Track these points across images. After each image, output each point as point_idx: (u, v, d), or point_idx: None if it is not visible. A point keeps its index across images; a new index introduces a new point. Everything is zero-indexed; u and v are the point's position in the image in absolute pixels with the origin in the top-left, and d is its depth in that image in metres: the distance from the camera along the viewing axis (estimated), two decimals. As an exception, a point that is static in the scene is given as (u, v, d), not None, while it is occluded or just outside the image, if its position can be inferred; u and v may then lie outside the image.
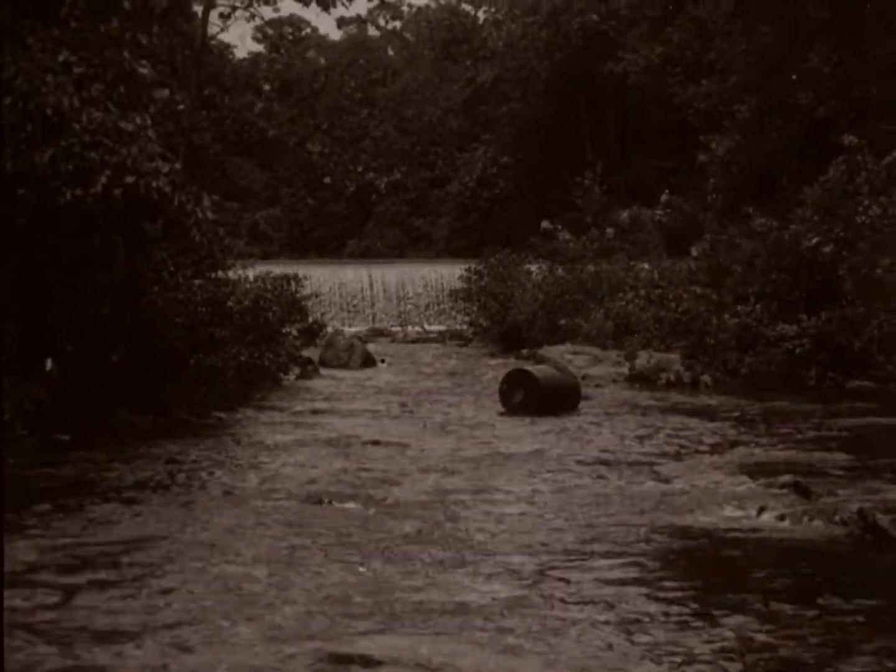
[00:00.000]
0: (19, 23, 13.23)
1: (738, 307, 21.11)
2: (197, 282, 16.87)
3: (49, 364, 13.43)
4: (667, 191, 38.96)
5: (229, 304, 17.87)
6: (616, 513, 10.09)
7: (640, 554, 8.75)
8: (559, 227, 33.91)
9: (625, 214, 34.80)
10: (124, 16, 13.94)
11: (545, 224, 34.62)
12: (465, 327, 33.33)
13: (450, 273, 35.96)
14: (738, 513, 9.92)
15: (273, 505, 10.41)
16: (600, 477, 11.84)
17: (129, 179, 13.12)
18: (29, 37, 13.25)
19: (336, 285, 37.52)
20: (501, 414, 16.68)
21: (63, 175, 12.86)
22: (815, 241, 20.18)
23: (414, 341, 33.53)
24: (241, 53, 60.77)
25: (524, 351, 26.48)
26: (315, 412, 17.22)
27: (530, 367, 18.30)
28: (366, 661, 6.36)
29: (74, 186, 12.85)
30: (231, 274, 18.96)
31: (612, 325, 24.78)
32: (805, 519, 9.60)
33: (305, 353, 23.20)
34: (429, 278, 38.60)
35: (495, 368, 24.54)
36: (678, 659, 6.43)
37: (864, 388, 18.76)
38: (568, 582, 7.97)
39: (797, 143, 33.42)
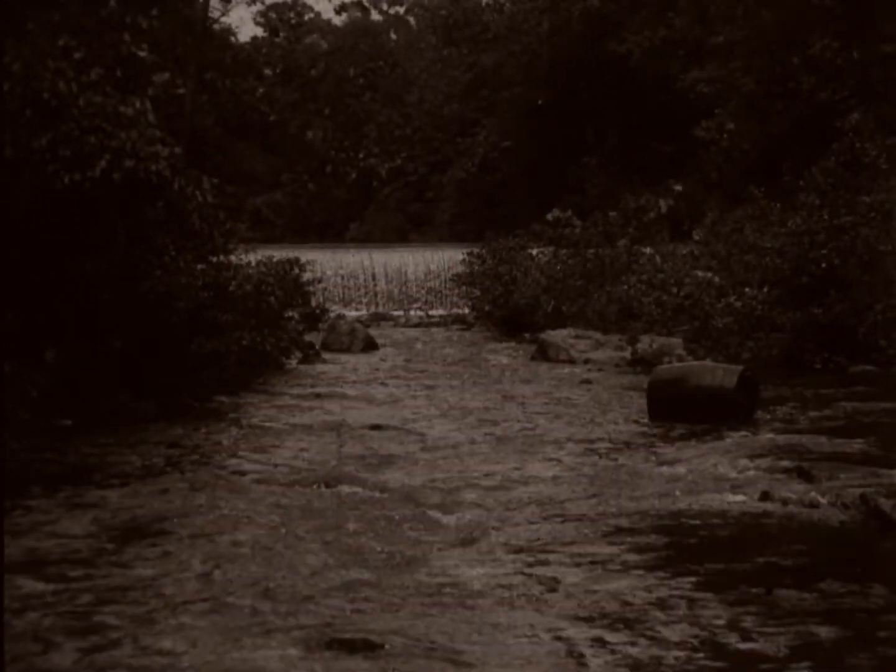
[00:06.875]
0: (20, 8, 13.19)
1: (746, 289, 20.96)
2: (199, 266, 16.83)
3: (50, 353, 13.41)
4: (670, 175, 38.77)
5: (231, 288, 17.83)
6: (615, 496, 10.07)
7: (638, 538, 8.74)
8: (567, 214, 33.46)
9: (627, 198, 34.50)
10: (124, -1, 13.92)
11: (554, 213, 34.05)
12: (467, 311, 33.33)
13: (452, 257, 35.83)
14: (740, 497, 9.90)
15: (273, 489, 10.42)
16: (600, 460, 11.83)
17: (129, 163, 13.08)
18: (29, 22, 13.22)
19: (338, 270, 37.39)
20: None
21: (62, 160, 12.81)
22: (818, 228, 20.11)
23: (416, 325, 33.49)
24: (243, 38, 60.65)
25: (527, 335, 26.50)
26: (317, 396, 17.20)
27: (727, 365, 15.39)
28: (362, 643, 6.37)
29: (73, 171, 12.80)
30: (233, 258, 18.91)
31: (615, 310, 24.73)
32: (807, 504, 9.58)
33: (308, 337, 23.16)
34: (431, 262, 38.44)
35: (497, 352, 24.57)
36: (673, 645, 6.43)
37: (867, 372, 18.71)
38: (560, 564, 7.97)
39: (799, 127, 33.28)
